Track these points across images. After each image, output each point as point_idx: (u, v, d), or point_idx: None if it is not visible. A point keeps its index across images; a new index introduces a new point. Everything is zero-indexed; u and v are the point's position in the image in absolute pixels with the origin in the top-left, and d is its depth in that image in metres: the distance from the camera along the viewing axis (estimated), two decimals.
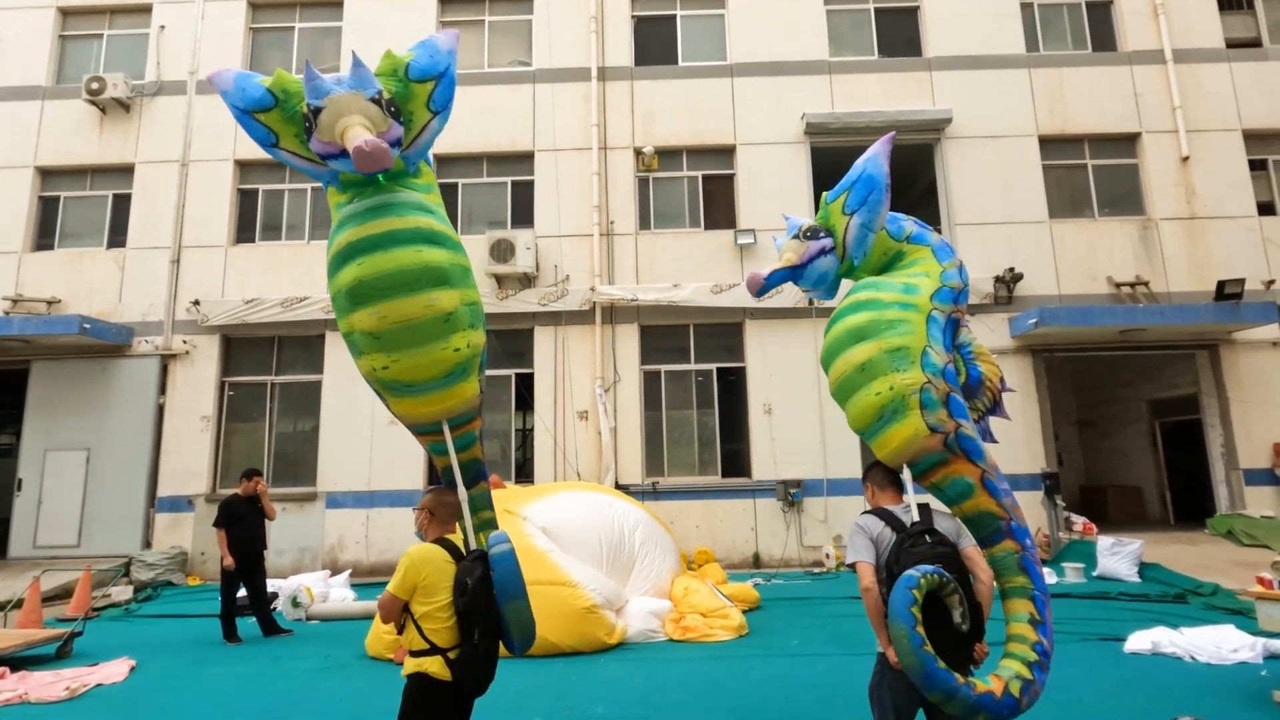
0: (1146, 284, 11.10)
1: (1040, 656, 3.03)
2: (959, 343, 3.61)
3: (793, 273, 3.55)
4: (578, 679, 5.30)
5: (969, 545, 3.09)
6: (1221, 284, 10.46)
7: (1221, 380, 11.03)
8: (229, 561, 6.85)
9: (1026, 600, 3.13)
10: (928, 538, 2.96)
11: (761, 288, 3.45)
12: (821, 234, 3.51)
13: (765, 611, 7.51)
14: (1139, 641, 5.66)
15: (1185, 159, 11.54)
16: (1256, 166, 11.68)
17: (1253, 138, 11.66)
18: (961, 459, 3.17)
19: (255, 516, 7.13)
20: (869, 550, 3.00)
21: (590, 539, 6.62)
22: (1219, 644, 5.45)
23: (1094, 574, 8.77)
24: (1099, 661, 5.41)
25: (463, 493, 3.28)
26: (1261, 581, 4.66)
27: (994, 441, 3.59)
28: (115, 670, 5.74)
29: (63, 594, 8.89)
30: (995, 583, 3.12)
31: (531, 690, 5.02)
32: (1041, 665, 3.02)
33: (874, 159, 3.47)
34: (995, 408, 3.72)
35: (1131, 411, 13.77)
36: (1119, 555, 8.71)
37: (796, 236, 3.55)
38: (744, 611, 7.02)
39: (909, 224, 3.64)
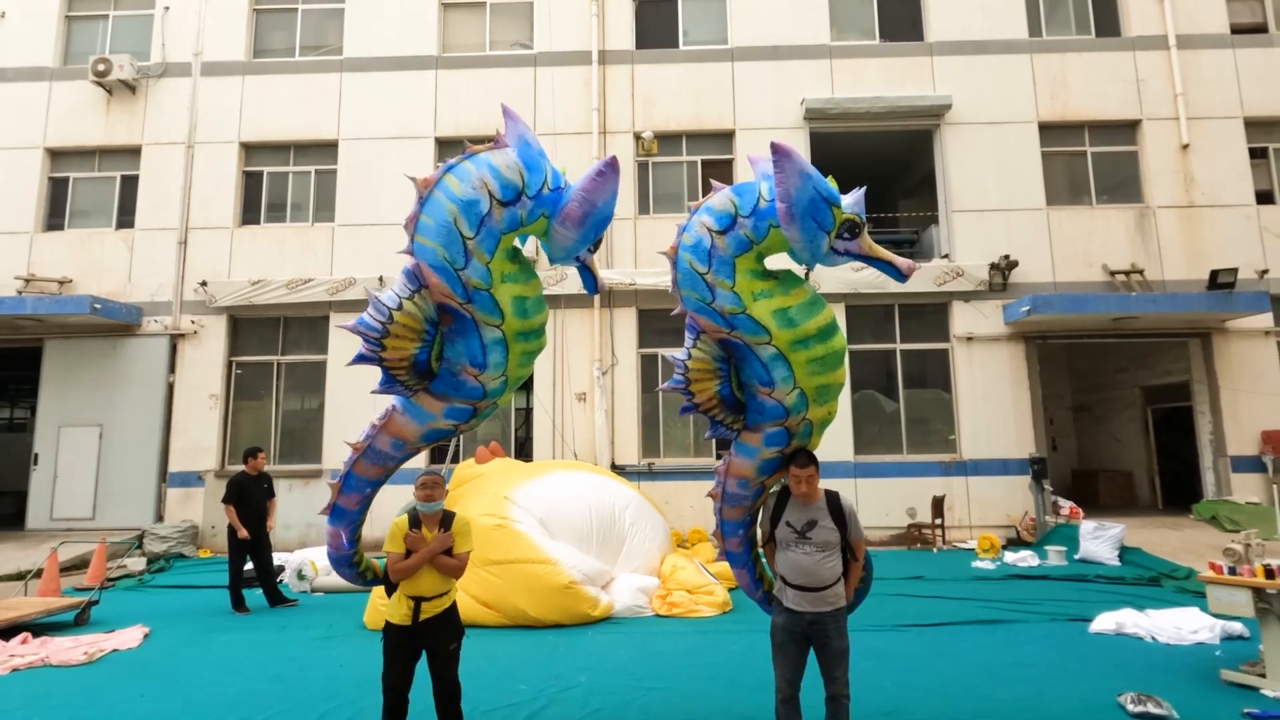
0: (1141, 272, 11.17)
1: None
2: None
3: None
4: (564, 651, 5.58)
5: None
6: (1215, 273, 10.52)
7: (1213, 368, 11.13)
8: (244, 533, 7.20)
9: None
10: None
11: None
12: None
13: None
14: (1104, 622, 5.89)
15: (1185, 146, 11.53)
16: (1256, 155, 11.66)
17: (1254, 125, 11.63)
18: None
19: (261, 494, 7.45)
20: None
21: (580, 518, 6.88)
22: (1180, 625, 5.68)
23: (1075, 557, 8.99)
24: (1062, 640, 5.65)
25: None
26: (1213, 566, 4.85)
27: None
28: (131, 636, 6.08)
29: (79, 564, 9.27)
30: None
31: (519, 661, 5.30)
32: None
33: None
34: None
35: (1125, 397, 13.89)
36: (1100, 539, 8.92)
37: None
38: (729, 589, 7.28)
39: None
